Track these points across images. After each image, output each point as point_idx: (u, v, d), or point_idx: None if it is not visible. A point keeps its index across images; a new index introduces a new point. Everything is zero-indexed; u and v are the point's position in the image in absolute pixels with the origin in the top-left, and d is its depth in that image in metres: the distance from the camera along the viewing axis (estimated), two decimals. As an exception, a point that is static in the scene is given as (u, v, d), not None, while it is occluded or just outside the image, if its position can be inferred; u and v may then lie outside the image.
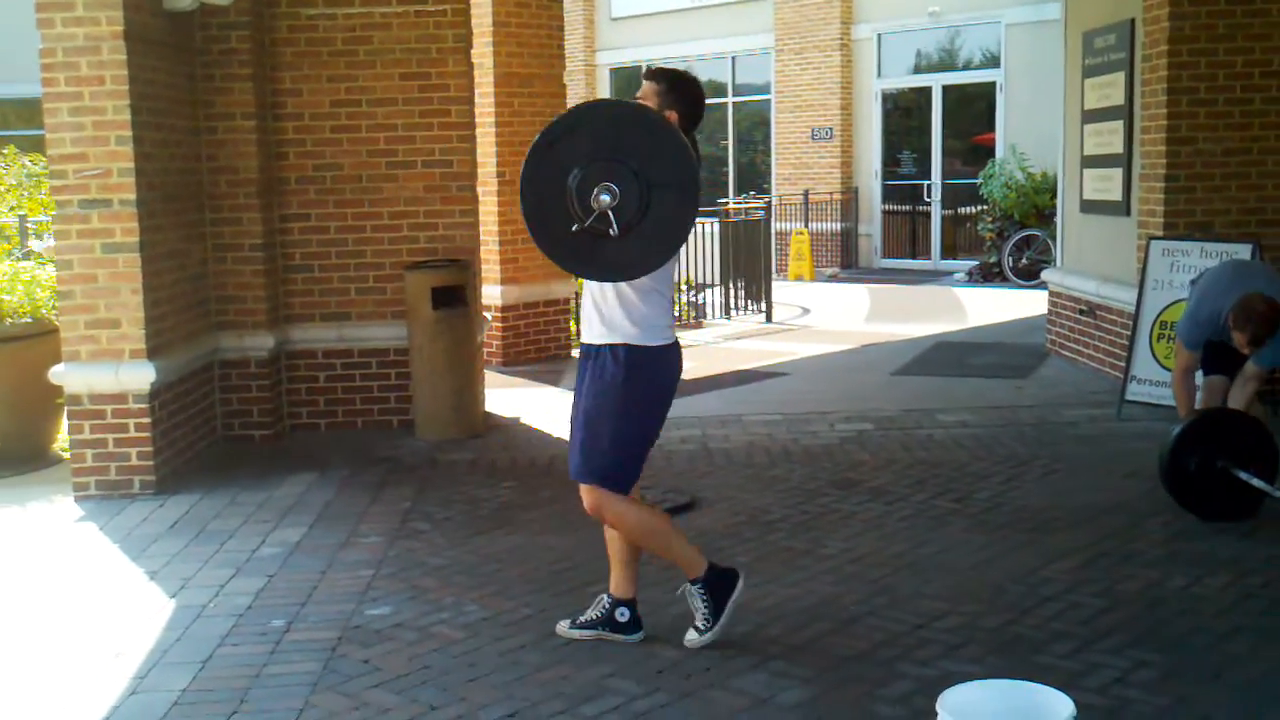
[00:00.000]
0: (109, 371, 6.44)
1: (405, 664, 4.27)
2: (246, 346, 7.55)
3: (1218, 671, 4.04)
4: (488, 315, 8.82)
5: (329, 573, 5.28)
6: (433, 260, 7.76)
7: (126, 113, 6.30)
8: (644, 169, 3.84)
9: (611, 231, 3.83)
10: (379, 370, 7.88)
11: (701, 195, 4.04)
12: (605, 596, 4.49)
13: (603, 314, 4.15)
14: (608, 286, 4.10)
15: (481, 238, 9.50)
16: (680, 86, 4.26)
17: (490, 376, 9.22)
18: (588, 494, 4.30)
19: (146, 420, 6.50)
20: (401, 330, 7.74)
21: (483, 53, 9.82)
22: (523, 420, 8.17)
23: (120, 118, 6.30)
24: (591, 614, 4.47)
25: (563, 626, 4.49)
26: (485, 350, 9.75)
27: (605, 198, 3.79)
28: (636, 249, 3.91)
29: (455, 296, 7.59)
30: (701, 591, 4.33)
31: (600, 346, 4.17)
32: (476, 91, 9.24)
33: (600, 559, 5.32)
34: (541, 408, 8.54)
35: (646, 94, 4.24)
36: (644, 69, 4.45)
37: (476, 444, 7.53)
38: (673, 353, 4.24)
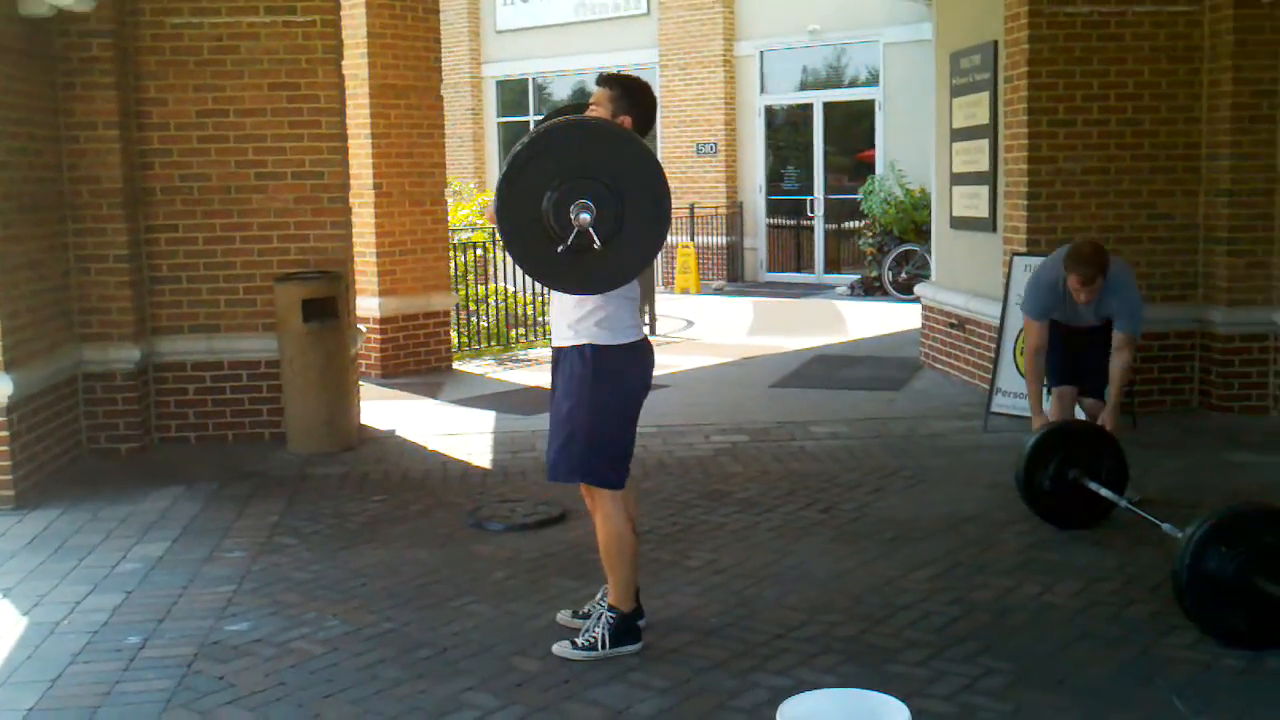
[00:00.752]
0: (-36, 385, 6.27)
1: (261, 680, 4.23)
2: (111, 359, 7.40)
3: (1062, 678, 4.16)
4: (363, 327, 8.74)
5: (190, 588, 5.20)
6: (304, 272, 7.68)
7: (-19, 120, 6.15)
8: (614, 181, 3.92)
9: (595, 246, 3.90)
10: (249, 383, 7.78)
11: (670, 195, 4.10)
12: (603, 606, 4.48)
13: (568, 316, 4.24)
14: None
15: (359, 249, 9.45)
16: (633, 92, 4.34)
17: (367, 389, 9.15)
18: (584, 490, 4.44)
19: (4, 434, 6.35)
20: (272, 342, 7.65)
21: (358, 64, 9.75)
22: (398, 433, 8.12)
23: (-26, 125, 6.16)
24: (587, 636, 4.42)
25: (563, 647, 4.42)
26: (363, 362, 9.69)
27: (585, 216, 3.87)
28: (620, 257, 4.01)
29: (326, 309, 7.52)
30: (610, 620, 4.36)
31: (568, 348, 4.26)
32: (351, 103, 9.19)
33: (465, 571, 5.34)
34: (418, 420, 8.50)
35: (600, 99, 4.32)
36: (598, 75, 4.51)
37: (349, 457, 7.47)
38: (641, 349, 4.32)
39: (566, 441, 4.29)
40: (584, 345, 4.23)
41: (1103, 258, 5.92)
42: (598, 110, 4.31)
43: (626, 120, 4.26)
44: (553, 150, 3.95)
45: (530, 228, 3.94)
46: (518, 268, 4.19)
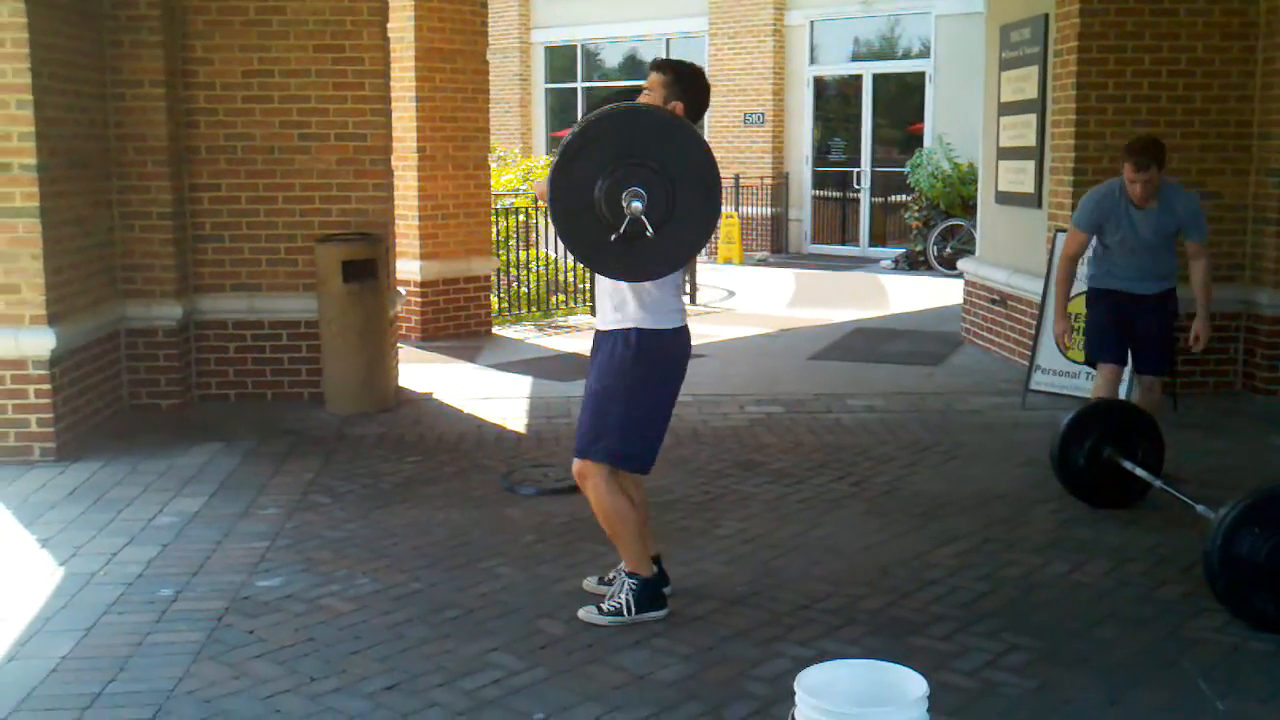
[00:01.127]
0: (8, 337, 6.37)
1: (290, 635, 4.28)
2: (154, 315, 7.48)
3: (1086, 656, 4.14)
4: (403, 290, 8.78)
5: (224, 543, 5.27)
6: (344, 233, 7.72)
7: (27, 76, 6.21)
8: (664, 167, 3.92)
9: (648, 233, 3.91)
10: (289, 342, 7.84)
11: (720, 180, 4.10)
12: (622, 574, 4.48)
13: (615, 300, 4.25)
14: None
15: (401, 213, 9.49)
16: (686, 78, 4.34)
17: (407, 351, 9.21)
18: (576, 464, 4.37)
19: (47, 387, 6.44)
20: (313, 302, 7.71)
21: (404, 27, 9.76)
22: (435, 396, 8.16)
23: (20, 81, 6.21)
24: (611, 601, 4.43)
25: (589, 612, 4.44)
26: (403, 325, 9.75)
27: (637, 204, 3.88)
28: (672, 243, 4.02)
29: (366, 270, 7.56)
30: (632, 586, 4.38)
31: (613, 331, 4.27)
32: (397, 66, 9.23)
33: (496, 534, 5.38)
34: (455, 384, 8.54)
35: (653, 84, 4.32)
36: (652, 59, 4.51)
37: (385, 418, 7.52)
38: (683, 335, 4.34)
39: (596, 421, 4.29)
40: (630, 329, 4.23)
41: (1158, 148, 5.94)
42: (650, 96, 4.30)
43: (678, 106, 4.25)
44: (603, 138, 3.95)
45: (583, 215, 3.96)
46: (569, 254, 4.21)
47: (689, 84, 4.33)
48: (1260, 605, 4.30)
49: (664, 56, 4.54)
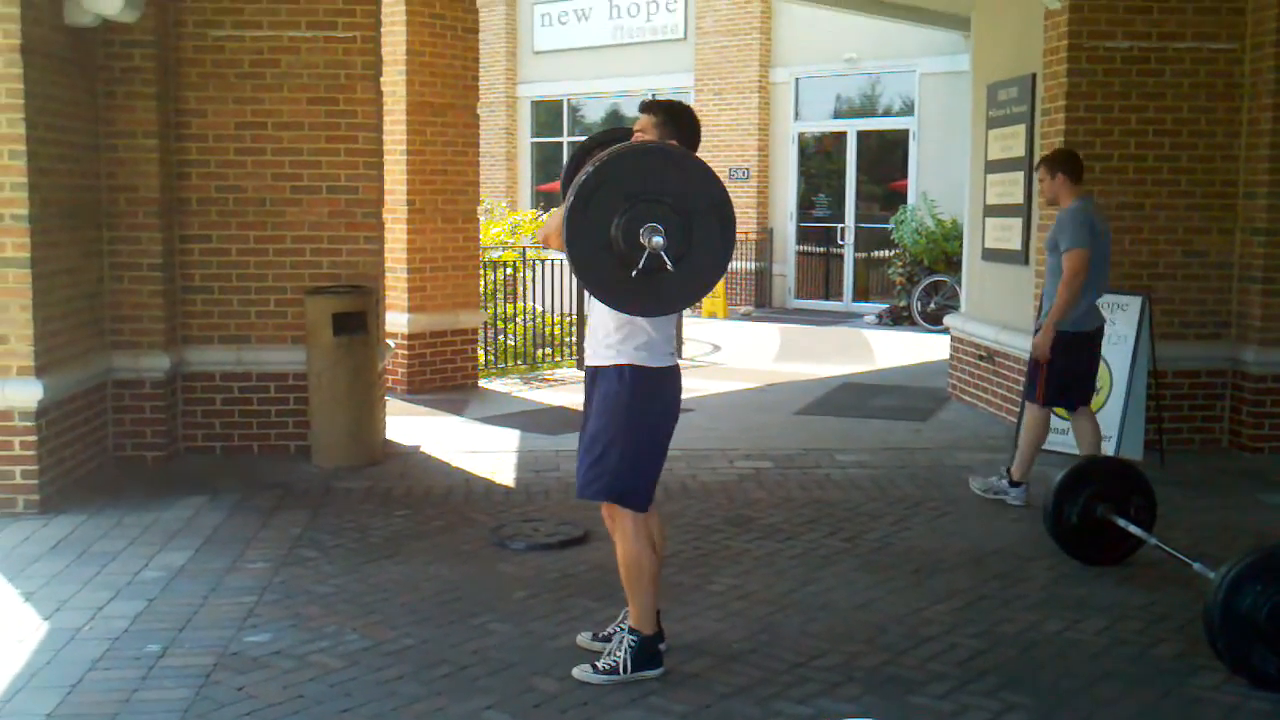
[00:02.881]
0: (-5, 388, 6.32)
1: (279, 693, 4.22)
2: (142, 367, 7.44)
3: (1086, 716, 4.11)
4: (391, 343, 8.76)
5: (211, 598, 5.20)
6: (335, 286, 7.71)
7: (21, 126, 6.20)
8: (679, 201, 3.96)
9: (668, 267, 3.93)
10: (277, 394, 7.80)
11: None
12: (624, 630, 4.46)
13: (608, 336, 4.26)
14: (613, 310, 4.18)
15: (389, 265, 9.49)
16: (677, 117, 4.38)
17: (393, 404, 9.16)
18: (605, 507, 4.42)
19: (32, 439, 6.38)
20: (301, 355, 7.68)
21: (396, 81, 9.80)
22: (423, 449, 8.12)
23: (14, 131, 6.20)
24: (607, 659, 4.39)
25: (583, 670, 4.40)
26: (390, 378, 9.71)
27: (657, 239, 3.91)
28: (691, 276, 4.05)
29: (356, 323, 7.54)
30: (632, 644, 4.34)
31: (605, 368, 4.27)
32: (388, 119, 9.25)
33: (487, 589, 5.33)
34: (443, 437, 8.51)
35: (645, 126, 4.35)
36: (641, 102, 4.54)
37: (373, 472, 7.47)
38: (674, 374, 4.35)
39: (598, 460, 4.28)
40: (624, 366, 4.23)
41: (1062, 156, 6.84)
42: (642, 136, 4.33)
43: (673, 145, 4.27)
44: (617, 177, 3.97)
45: (601, 254, 3.97)
46: (587, 292, 4.21)
47: (680, 123, 4.36)
48: (1260, 663, 4.28)
49: (651, 99, 4.55)
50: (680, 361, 4.52)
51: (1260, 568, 4.32)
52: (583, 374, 4.50)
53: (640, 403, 4.24)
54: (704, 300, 17.70)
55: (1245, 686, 4.29)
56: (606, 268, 3.99)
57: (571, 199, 3.96)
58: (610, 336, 4.25)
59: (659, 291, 4.03)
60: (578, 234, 3.97)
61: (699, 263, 4.03)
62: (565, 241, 3.99)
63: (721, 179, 4.14)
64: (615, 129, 4.79)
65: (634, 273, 3.94)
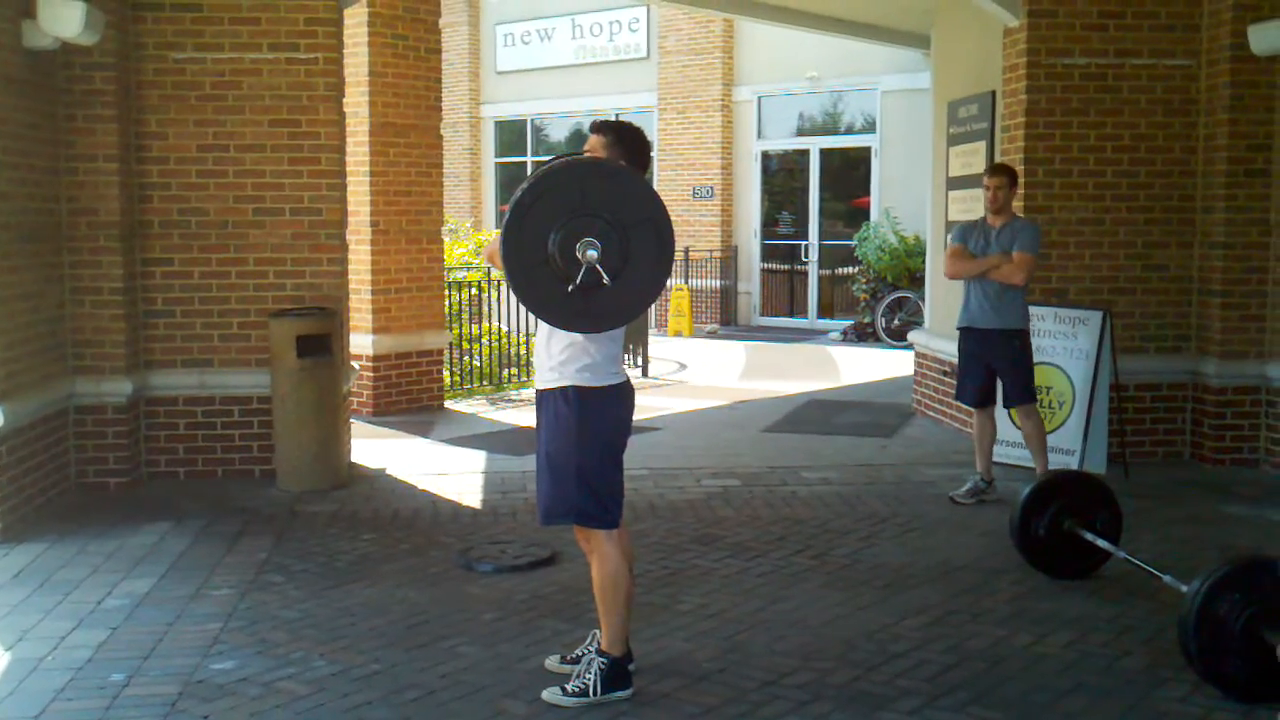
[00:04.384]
0: (-46, 415, 6.24)
1: (246, 720, 4.18)
2: (104, 392, 7.37)
3: (1055, 728, 4.13)
4: (356, 365, 8.72)
5: (176, 625, 5.15)
6: (299, 308, 7.67)
7: (-20, 150, 6.16)
8: (616, 215, 3.94)
9: (605, 281, 3.92)
10: (241, 418, 7.75)
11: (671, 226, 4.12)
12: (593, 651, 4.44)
13: (552, 359, 4.26)
14: (556, 332, 4.20)
15: (354, 286, 9.45)
16: (627, 138, 4.39)
17: (359, 427, 9.12)
18: (579, 533, 4.41)
19: (-7, 466, 6.31)
20: (265, 378, 7.63)
21: (359, 102, 9.78)
22: (389, 471, 8.08)
23: (-27, 155, 6.16)
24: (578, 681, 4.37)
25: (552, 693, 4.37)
26: (355, 400, 9.66)
27: (592, 253, 3.89)
28: (628, 292, 4.03)
29: (321, 345, 7.50)
30: (602, 666, 4.33)
31: (551, 390, 4.27)
32: (351, 140, 9.23)
33: (455, 612, 5.30)
34: (409, 459, 8.47)
35: (594, 146, 4.36)
36: (590, 122, 4.54)
37: (339, 495, 7.42)
38: (623, 390, 4.34)
39: (555, 484, 4.28)
40: (568, 387, 4.23)
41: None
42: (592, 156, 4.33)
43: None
44: (554, 191, 3.96)
45: (538, 270, 3.95)
46: (527, 310, 4.19)
47: (629, 144, 4.37)
48: (1231, 670, 4.30)
49: (600, 120, 4.55)
50: (646, 379, 4.51)
51: (1240, 576, 4.35)
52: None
53: (590, 422, 4.23)
54: (669, 319, 17.75)
55: (1212, 698, 4.32)
56: (544, 284, 3.97)
57: (509, 215, 3.95)
58: (553, 359, 4.26)
59: (597, 307, 4.01)
60: (514, 250, 3.95)
61: (637, 277, 4.01)
62: (503, 258, 3.96)
63: (660, 195, 4.13)
64: (575, 152, 4.79)
65: (571, 288, 3.92)
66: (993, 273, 7.06)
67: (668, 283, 16.06)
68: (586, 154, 4.36)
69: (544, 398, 4.33)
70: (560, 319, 4.09)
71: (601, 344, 4.23)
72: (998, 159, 8.62)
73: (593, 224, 3.91)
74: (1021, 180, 8.08)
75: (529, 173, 20.53)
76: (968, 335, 7.32)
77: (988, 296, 7.14)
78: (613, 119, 4.58)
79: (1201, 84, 8.13)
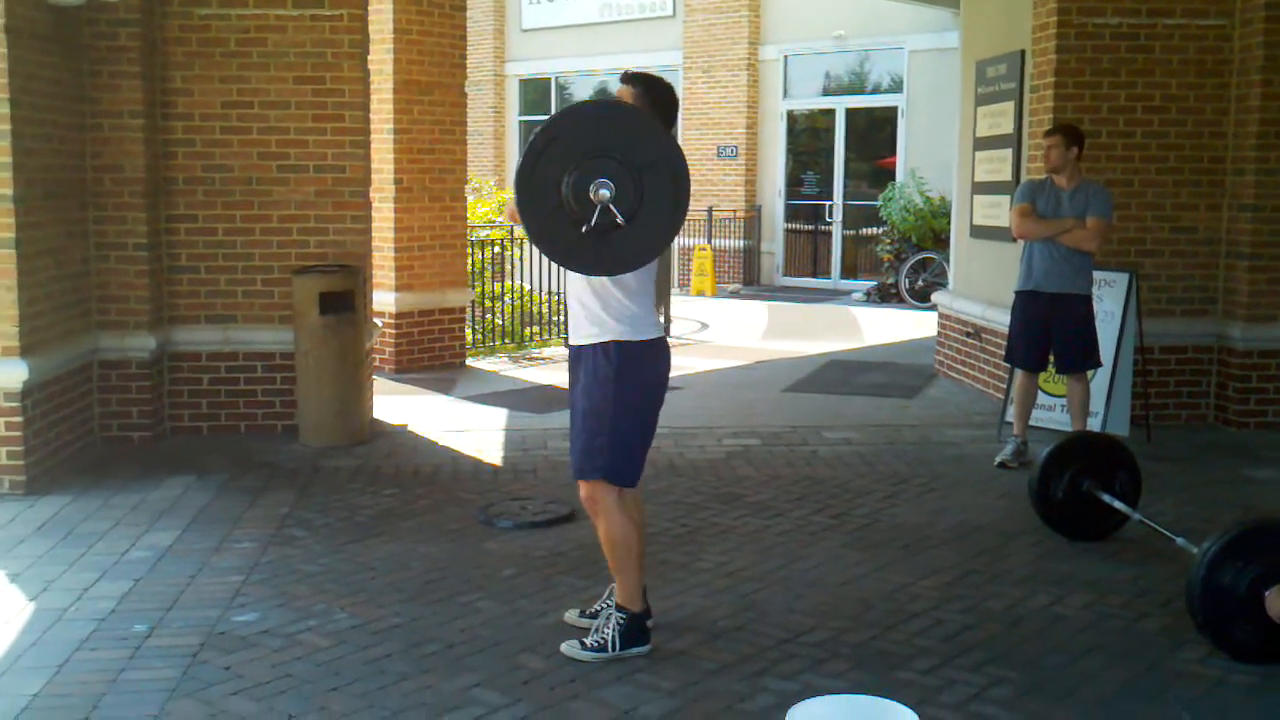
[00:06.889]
0: (-20, 368, 6.29)
1: (267, 671, 4.22)
2: (128, 347, 7.41)
3: (1071, 689, 4.13)
4: (378, 322, 8.74)
5: (198, 578, 5.20)
6: (322, 265, 7.69)
7: (5, 106, 6.15)
8: (629, 156, 3.91)
9: (619, 221, 3.89)
10: (264, 374, 7.78)
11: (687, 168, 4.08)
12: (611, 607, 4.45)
13: (590, 314, 4.23)
14: (591, 287, 4.18)
15: (377, 244, 9.46)
16: (655, 90, 4.36)
17: (381, 383, 9.16)
18: (584, 486, 4.36)
19: (18, 419, 6.36)
20: (288, 335, 7.66)
21: (383, 59, 9.75)
22: (410, 428, 8.11)
23: (-1, 110, 6.18)
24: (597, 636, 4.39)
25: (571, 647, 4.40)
26: (378, 357, 9.70)
27: (605, 192, 3.86)
28: (645, 233, 3.99)
29: (343, 302, 7.52)
30: (620, 621, 4.34)
31: (590, 346, 4.25)
32: (375, 98, 9.21)
33: (474, 567, 5.34)
34: (430, 416, 8.50)
35: (623, 95, 4.34)
36: (622, 73, 4.53)
37: (361, 451, 7.46)
38: (661, 346, 4.32)
39: (590, 438, 4.27)
40: (609, 342, 4.21)
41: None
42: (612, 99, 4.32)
43: None
44: (566, 135, 3.93)
45: (554, 214, 3.93)
46: (544, 257, 4.18)
47: (658, 96, 4.35)
48: (1241, 636, 4.30)
49: (632, 70, 4.53)
50: (668, 339, 4.51)
51: (1242, 542, 4.34)
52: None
53: (628, 378, 4.22)
54: (692, 278, 17.72)
55: (1229, 660, 4.32)
56: (559, 228, 3.94)
57: (522, 159, 3.94)
58: (592, 315, 4.23)
59: (613, 249, 3.98)
60: (529, 196, 3.93)
61: (652, 218, 3.97)
62: (517, 205, 3.95)
63: (674, 137, 4.09)
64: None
65: (585, 229, 3.90)
66: (1065, 237, 6.92)
67: (689, 242, 16.09)
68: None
69: (581, 354, 4.30)
70: (576, 262, 4.08)
71: (637, 298, 4.21)
72: (1026, 120, 8.55)
73: (605, 165, 3.88)
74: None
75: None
76: (1031, 298, 7.13)
77: (1055, 260, 6.98)
78: (643, 71, 4.55)
79: (1235, 44, 8.02)
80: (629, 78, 4.39)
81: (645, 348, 4.25)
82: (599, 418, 4.24)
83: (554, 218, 3.94)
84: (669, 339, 12.29)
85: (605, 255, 4.01)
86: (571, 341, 4.38)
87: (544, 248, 4.08)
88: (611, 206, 3.87)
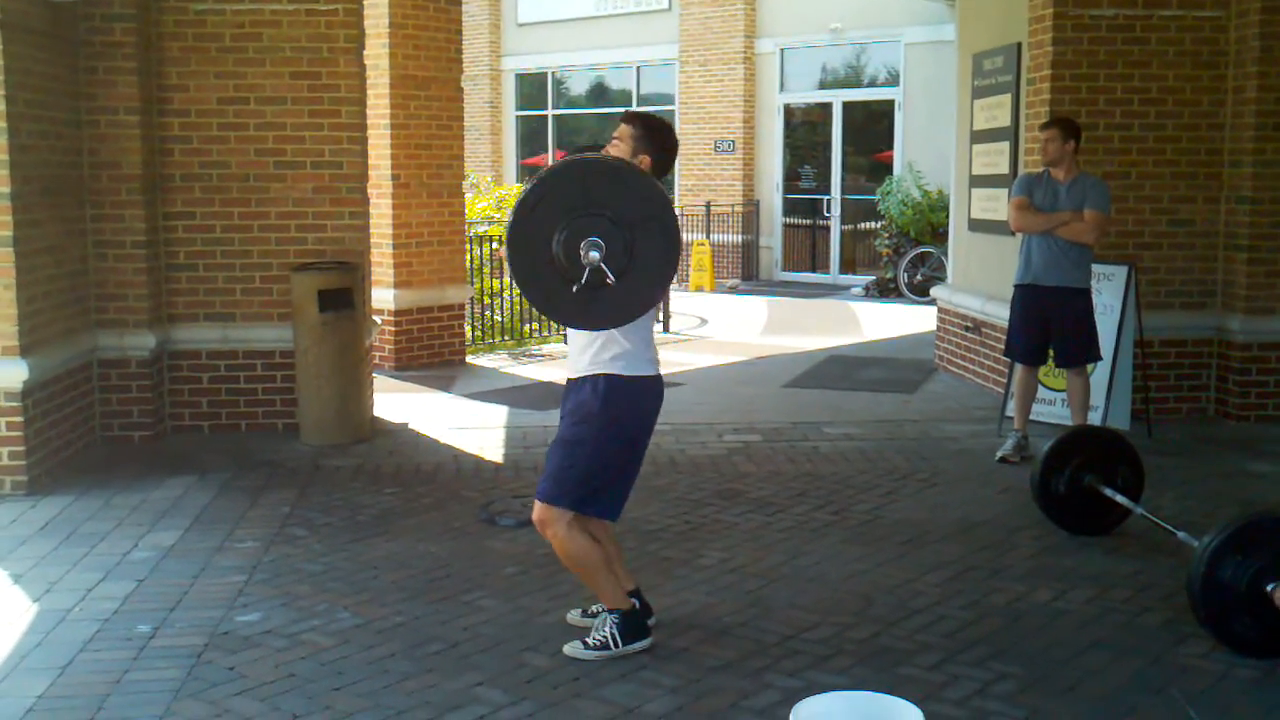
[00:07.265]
0: (-21, 369, 6.28)
1: (271, 671, 4.22)
2: (127, 345, 7.40)
3: (1074, 684, 4.13)
4: (378, 319, 8.74)
5: (201, 578, 5.19)
6: (320, 262, 7.68)
7: (1, 103, 6.15)
8: (619, 214, 3.89)
9: (609, 280, 3.89)
10: (264, 372, 7.78)
11: (678, 224, 4.07)
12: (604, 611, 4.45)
13: (585, 348, 4.22)
14: None
15: (375, 241, 9.45)
16: (655, 132, 4.35)
17: (381, 381, 9.15)
18: (538, 507, 4.30)
19: (18, 419, 6.35)
20: (287, 332, 7.65)
21: (379, 54, 9.74)
22: (411, 426, 8.11)
23: (-6, 107, 6.16)
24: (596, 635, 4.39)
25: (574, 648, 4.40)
26: (377, 354, 9.69)
27: (594, 254, 3.85)
28: (635, 289, 3.98)
29: (342, 299, 7.51)
30: (615, 622, 4.34)
31: (581, 378, 4.24)
32: (372, 93, 9.19)
33: (477, 566, 5.34)
34: (431, 414, 8.49)
35: (623, 135, 4.32)
36: (624, 111, 4.51)
37: (361, 449, 7.46)
38: (651, 384, 4.27)
39: (561, 469, 4.25)
40: (599, 375, 4.19)
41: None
42: (618, 146, 4.30)
43: (645, 160, 4.25)
44: (558, 191, 3.93)
45: (544, 270, 3.93)
46: (534, 309, 4.17)
47: (657, 139, 4.34)
48: (1242, 631, 4.31)
49: (634, 110, 4.50)
50: (668, 335, 4.49)
51: (1242, 537, 4.34)
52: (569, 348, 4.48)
53: (612, 412, 4.19)
54: (691, 274, 17.70)
55: (1232, 654, 4.32)
56: (549, 283, 3.94)
57: (512, 214, 3.93)
58: (586, 348, 4.21)
59: (602, 305, 3.97)
60: (520, 250, 3.93)
61: (642, 275, 3.96)
62: (507, 257, 3.94)
63: (663, 190, 4.07)
64: (596, 145, 4.75)
65: (575, 288, 3.89)
66: (1063, 230, 6.92)
67: (688, 237, 16.04)
68: (613, 141, 4.33)
69: (572, 386, 4.30)
70: (564, 317, 4.10)
71: (632, 334, 4.18)
72: (1023, 112, 8.55)
73: (595, 223, 3.87)
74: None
75: (549, 126, 20.41)
76: (1030, 292, 7.12)
77: (1054, 253, 6.98)
78: (644, 111, 4.51)
79: (1231, 36, 8.02)
80: (629, 117, 4.40)
81: (634, 385, 4.21)
82: (579, 446, 4.22)
83: (544, 273, 3.93)
84: (667, 335, 12.34)
85: (595, 312, 4.00)
86: (568, 374, 4.37)
87: (533, 299, 4.06)
88: (603, 265, 3.87)
